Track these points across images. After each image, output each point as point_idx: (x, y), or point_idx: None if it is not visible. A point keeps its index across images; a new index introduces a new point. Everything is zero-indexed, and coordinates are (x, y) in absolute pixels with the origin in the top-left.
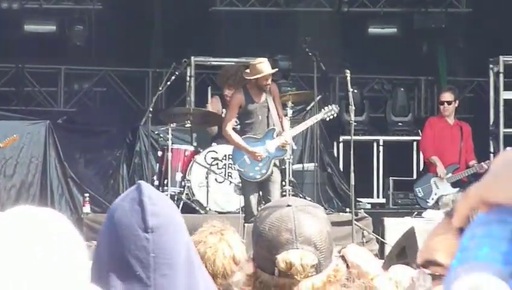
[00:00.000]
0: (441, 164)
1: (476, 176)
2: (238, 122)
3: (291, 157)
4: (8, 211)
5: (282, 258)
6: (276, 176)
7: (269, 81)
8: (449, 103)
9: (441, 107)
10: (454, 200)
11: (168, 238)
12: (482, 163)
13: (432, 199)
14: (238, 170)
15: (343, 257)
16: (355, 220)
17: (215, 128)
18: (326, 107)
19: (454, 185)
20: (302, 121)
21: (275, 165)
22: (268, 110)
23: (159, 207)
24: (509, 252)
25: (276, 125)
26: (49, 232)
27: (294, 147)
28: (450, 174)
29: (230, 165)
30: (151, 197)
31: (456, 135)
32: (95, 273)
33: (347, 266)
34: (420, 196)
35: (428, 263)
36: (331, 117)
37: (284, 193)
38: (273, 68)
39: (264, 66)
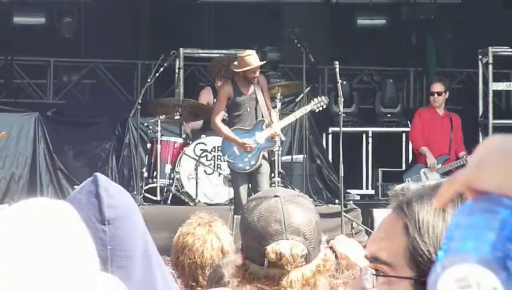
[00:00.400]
0: (430, 154)
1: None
2: (227, 114)
3: (280, 149)
4: (17, 203)
5: (272, 249)
6: (265, 167)
7: (257, 74)
8: (439, 93)
9: (431, 97)
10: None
11: (125, 230)
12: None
13: None
14: (227, 161)
15: (332, 248)
16: (345, 211)
17: (190, 126)
18: (315, 99)
19: (444, 175)
20: (291, 112)
21: (263, 157)
22: (257, 102)
23: (116, 199)
24: (496, 242)
25: (264, 117)
26: (60, 223)
27: (283, 139)
28: (439, 165)
29: (219, 157)
30: (107, 190)
31: (446, 126)
32: None
33: (336, 257)
34: None
35: (374, 259)
36: (321, 108)
37: (273, 185)
38: (261, 60)
39: (251, 58)
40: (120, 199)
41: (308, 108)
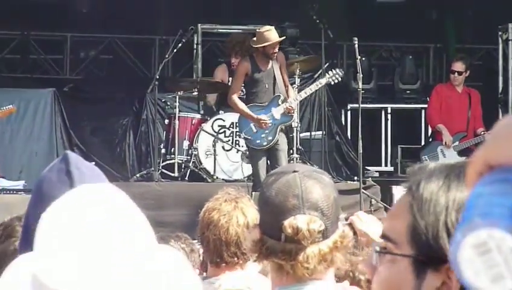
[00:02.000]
0: (447, 131)
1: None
2: (245, 90)
3: (299, 125)
4: (75, 190)
5: (289, 224)
6: (283, 143)
7: (276, 50)
8: (460, 73)
9: (452, 76)
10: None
11: None
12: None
13: None
14: (244, 138)
15: (351, 225)
16: (363, 188)
17: (213, 97)
18: (330, 72)
19: (461, 153)
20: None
21: (281, 131)
22: (275, 78)
23: (87, 177)
24: None
25: (281, 93)
26: (121, 204)
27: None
28: (457, 143)
29: (237, 133)
30: (78, 167)
31: (464, 103)
32: (23, 244)
33: (355, 233)
34: None
35: (384, 237)
36: (336, 81)
37: (292, 161)
38: (280, 36)
39: (271, 33)
40: (91, 176)
41: (323, 81)
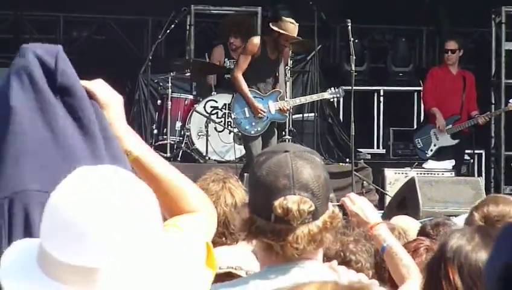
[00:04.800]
0: (440, 115)
1: (477, 127)
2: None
3: (291, 107)
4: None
5: (279, 204)
6: (273, 137)
7: (287, 44)
8: (453, 51)
9: (445, 55)
10: None
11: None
12: (484, 115)
13: (431, 150)
14: (234, 118)
15: (342, 206)
16: (355, 170)
17: (213, 77)
18: (332, 89)
19: (454, 136)
20: (302, 70)
21: (272, 126)
22: (278, 72)
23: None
24: None
25: (280, 88)
26: (132, 185)
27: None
28: (450, 126)
29: (230, 115)
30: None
31: (459, 85)
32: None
33: (346, 214)
34: (419, 146)
35: None
36: (335, 100)
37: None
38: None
39: (293, 27)
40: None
41: (325, 95)
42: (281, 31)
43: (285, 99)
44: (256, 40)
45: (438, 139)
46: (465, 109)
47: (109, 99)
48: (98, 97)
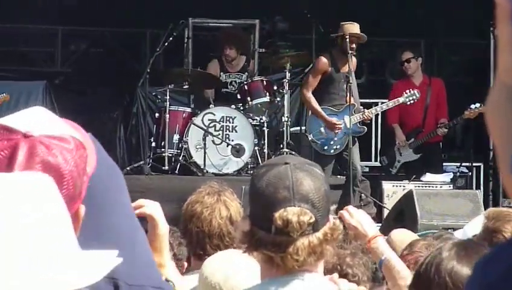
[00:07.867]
0: (399, 130)
1: (469, 137)
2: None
3: (289, 119)
4: None
5: (279, 216)
6: (355, 153)
7: (354, 45)
8: (408, 61)
9: (402, 67)
10: None
11: None
12: (443, 125)
13: (395, 167)
14: (311, 140)
15: (340, 219)
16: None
17: (211, 91)
18: (408, 91)
19: (417, 150)
20: (300, 83)
21: (352, 142)
22: (351, 82)
23: None
24: None
25: (355, 101)
26: (35, 194)
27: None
28: (412, 139)
29: (227, 127)
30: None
31: (422, 95)
32: None
33: (344, 227)
34: (384, 164)
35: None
36: (412, 102)
37: None
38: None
39: (353, 26)
40: None
41: (400, 100)
42: (344, 33)
43: (361, 110)
44: (325, 58)
45: (401, 155)
46: (429, 117)
47: (166, 231)
48: (159, 226)
